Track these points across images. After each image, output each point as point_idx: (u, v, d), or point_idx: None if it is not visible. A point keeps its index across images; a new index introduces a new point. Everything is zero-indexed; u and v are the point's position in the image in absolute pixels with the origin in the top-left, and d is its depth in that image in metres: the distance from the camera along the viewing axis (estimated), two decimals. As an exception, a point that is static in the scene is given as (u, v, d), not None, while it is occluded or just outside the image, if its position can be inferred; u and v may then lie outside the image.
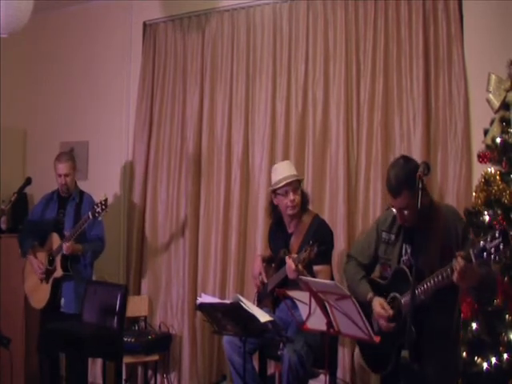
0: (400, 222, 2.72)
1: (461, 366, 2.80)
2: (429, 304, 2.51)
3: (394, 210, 2.70)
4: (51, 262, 3.96)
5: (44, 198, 4.26)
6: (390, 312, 2.63)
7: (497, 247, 2.16)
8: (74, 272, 3.95)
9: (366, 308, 2.59)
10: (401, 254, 2.74)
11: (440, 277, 2.43)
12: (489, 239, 2.19)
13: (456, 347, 2.77)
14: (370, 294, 2.76)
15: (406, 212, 2.63)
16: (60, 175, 4.07)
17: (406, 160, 2.70)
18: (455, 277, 2.31)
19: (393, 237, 2.79)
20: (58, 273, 3.91)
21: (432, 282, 2.46)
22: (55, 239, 3.98)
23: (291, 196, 3.36)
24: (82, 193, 4.20)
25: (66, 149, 4.98)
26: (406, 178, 2.55)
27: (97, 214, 3.67)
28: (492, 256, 2.19)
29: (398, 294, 2.66)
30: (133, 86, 4.82)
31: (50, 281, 3.96)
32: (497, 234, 2.17)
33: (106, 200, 3.68)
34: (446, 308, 2.63)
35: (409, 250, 2.72)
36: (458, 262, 2.29)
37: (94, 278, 4.27)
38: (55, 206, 4.16)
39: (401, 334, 2.53)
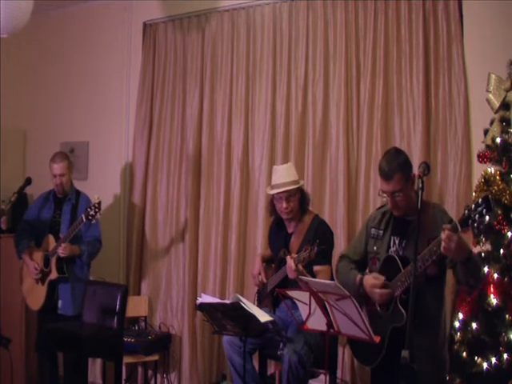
0: (391, 208, 2.75)
1: (448, 360, 2.81)
2: (418, 287, 2.53)
3: (385, 195, 2.72)
4: (47, 263, 3.95)
5: (40, 198, 4.24)
6: (382, 278, 2.67)
7: (480, 213, 2.22)
8: (70, 274, 3.93)
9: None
10: (389, 246, 2.79)
11: (428, 255, 2.47)
12: (473, 208, 2.25)
13: (444, 340, 2.79)
14: (359, 276, 2.80)
15: (398, 197, 2.67)
16: (55, 175, 4.04)
17: (398, 150, 2.85)
18: (442, 246, 2.35)
19: (381, 232, 2.85)
20: (53, 275, 3.89)
21: (421, 259, 2.49)
22: (51, 241, 3.96)
23: (284, 204, 3.37)
24: (78, 193, 4.18)
25: (66, 149, 4.98)
26: (398, 163, 2.67)
27: (90, 217, 3.65)
28: (476, 223, 2.25)
29: (387, 281, 2.68)
30: (133, 86, 4.82)
31: (46, 283, 3.94)
32: (480, 202, 2.23)
33: (99, 203, 3.66)
34: (435, 296, 2.66)
35: (397, 242, 2.77)
36: (444, 232, 2.34)
37: (91, 279, 4.26)
38: (51, 206, 4.13)
39: (392, 318, 2.56)
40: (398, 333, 2.47)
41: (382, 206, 2.97)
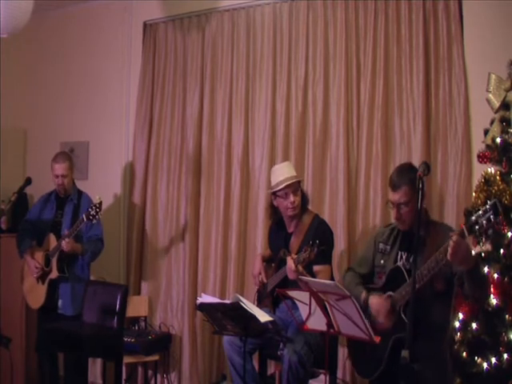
0: (395, 220, 2.76)
1: (451, 366, 2.81)
2: (425, 299, 2.53)
3: (392, 205, 2.73)
4: (47, 262, 3.95)
5: (42, 198, 4.24)
6: (388, 304, 2.66)
7: (488, 219, 2.22)
8: (70, 273, 3.94)
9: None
10: (396, 261, 2.80)
11: (434, 262, 2.47)
12: (481, 213, 2.24)
13: (452, 346, 2.79)
14: (364, 294, 2.80)
15: (403, 210, 2.68)
16: (57, 176, 4.04)
17: (412, 166, 2.87)
18: (449, 253, 2.34)
19: (388, 248, 2.87)
20: (54, 274, 3.89)
21: (427, 267, 2.49)
22: (52, 240, 3.96)
23: (291, 198, 3.36)
24: (80, 193, 4.18)
25: (66, 149, 4.98)
26: (409, 178, 2.67)
27: (91, 217, 3.66)
28: (484, 229, 2.24)
29: (392, 292, 2.68)
30: (133, 86, 4.82)
31: (46, 282, 3.94)
32: (488, 207, 2.22)
33: (100, 203, 3.67)
34: (441, 305, 2.66)
35: (404, 256, 2.78)
36: (452, 238, 2.33)
37: (91, 279, 4.26)
38: (53, 206, 4.13)
39: (395, 329, 2.55)
40: (401, 344, 2.45)
41: (390, 224, 3.01)
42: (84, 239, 3.99)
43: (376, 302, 2.74)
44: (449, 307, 2.73)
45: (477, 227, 2.25)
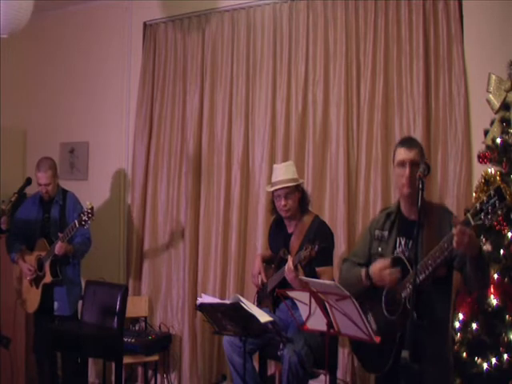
0: (405, 183, 2.64)
1: (452, 362, 2.80)
2: (427, 293, 2.52)
3: (404, 165, 2.63)
4: (40, 267, 3.95)
5: (28, 201, 4.20)
6: (387, 260, 2.63)
7: (493, 205, 2.19)
8: (64, 276, 3.94)
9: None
10: (395, 247, 2.74)
11: (438, 252, 2.43)
12: (485, 200, 2.21)
13: (452, 343, 2.78)
14: (364, 269, 2.73)
15: (415, 172, 2.56)
16: (40, 184, 4.02)
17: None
18: (455, 241, 2.30)
19: (386, 233, 2.79)
20: (48, 278, 3.89)
21: (432, 257, 2.46)
22: (43, 244, 3.95)
23: (282, 201, 3.38)
24: (64, 193, 4.15)
25: (66, 149, 4.98)
26: (418, 143, 2.71)
27: (83, 223, 3.62)
28: (489, 215, 2.21)
29: (401, 255, 2.63)
30: (133, 86, 4.82)
31: (40, 286, 3.94)
32: (492, 193, 2.19)
33: (91, 208, 3.62)
34: (442, 298, 2.64)
35: (403, 242, 2.72)
36: (456, 227, 2.29)
37: (89, 278, 4.24)
38: (40, 210, 4.10)
39: (401, 322, 2.55)
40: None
41: (385, 208, 2.95)
42: (74, 238, 3.97)
43: (377, 267, 2.66)
44: (449, 296, 2.68)
45: (482, 214, 2.21)
